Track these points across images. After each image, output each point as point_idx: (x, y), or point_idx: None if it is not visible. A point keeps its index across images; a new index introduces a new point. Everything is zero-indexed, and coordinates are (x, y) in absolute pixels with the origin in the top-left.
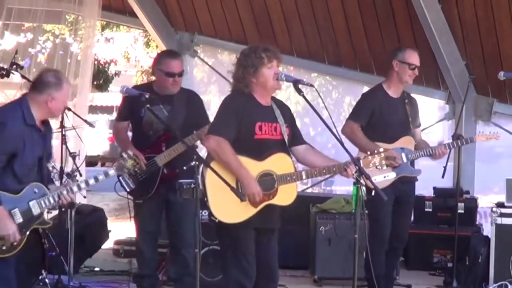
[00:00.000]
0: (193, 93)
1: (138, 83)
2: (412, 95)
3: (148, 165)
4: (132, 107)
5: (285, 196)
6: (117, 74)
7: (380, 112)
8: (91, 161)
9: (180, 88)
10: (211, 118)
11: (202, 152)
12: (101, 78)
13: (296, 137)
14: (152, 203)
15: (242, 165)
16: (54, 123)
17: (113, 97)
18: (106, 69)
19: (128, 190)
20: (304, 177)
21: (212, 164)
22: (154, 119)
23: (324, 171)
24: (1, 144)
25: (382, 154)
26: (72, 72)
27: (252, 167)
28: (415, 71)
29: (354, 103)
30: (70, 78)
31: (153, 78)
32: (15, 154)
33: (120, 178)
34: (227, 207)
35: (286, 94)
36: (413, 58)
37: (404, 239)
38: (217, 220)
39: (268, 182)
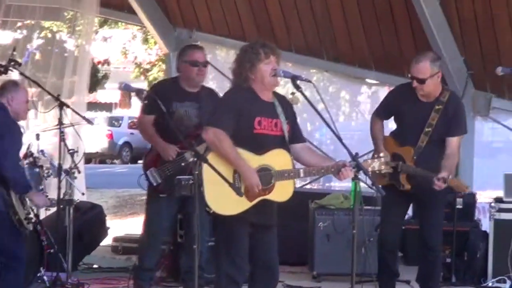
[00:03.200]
0: (213, 90)
1: (135, 80)
2: None
3: (177, 160)
4: (162, 101)
5: (281, 192)
6: (105, 76)
7: (398, 112)
8: (89, 158)
9: (202, 86)
10: None
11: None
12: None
13: (295, 135)
14: (172, 199)
15: (241, 156)
16: (52, 120)
17: (112, 94)
18: (96, 70)
19: (155, 184)
20: (302, 175)
21: (210, 156)
22: (185, 115)
23: (322, 170)
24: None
25: (382, 159)
26: (69, 70)
27: (251, 160)
28: (414, 83)
29: (349, 98)
30: (67, 75)
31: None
32: None
33: (148, 172)
34: (223, 199)
35: (284, 90)
36: (412, 71)
37: (429, 244)
38: (211, 211)
39: (265, 177)
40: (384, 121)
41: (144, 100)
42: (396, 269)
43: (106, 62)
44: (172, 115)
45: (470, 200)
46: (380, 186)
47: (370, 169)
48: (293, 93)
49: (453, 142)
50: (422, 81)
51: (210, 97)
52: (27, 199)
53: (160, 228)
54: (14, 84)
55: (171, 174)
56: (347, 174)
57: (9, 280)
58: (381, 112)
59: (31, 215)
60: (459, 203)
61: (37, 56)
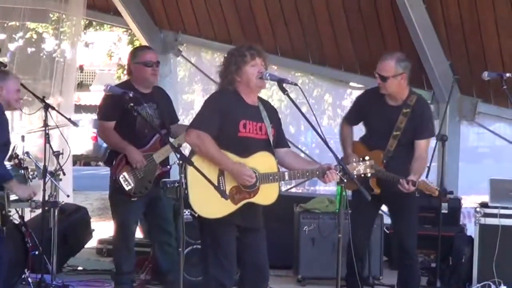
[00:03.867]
0: (163, 89)
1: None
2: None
3: (147, 163)
4: (121, 104)
5: (266, 195)
6: (80, 84)
7: (366, 116)
8: (74, 161)
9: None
10: None
11: (186, 151)
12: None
13: (280, 140)
14: (141, 200)
15: (226, 155)
16: (37, 122)
17: (97, 96)
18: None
19: (127, 188)
20: (286, 178)
21: (194, 159)
22: (149, 118)
23: (307, 173)
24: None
25: (368, 162)
26: (59, 71)
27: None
28: (378, 79)
29: (332, 101)
30: (52, 77)
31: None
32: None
33: (120, 177)
34: (207, 202)
35: (269, 92)
36: (378, 67)
37: (404, 248)
38: (196, 215)
39: None
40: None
41: (129, 103)
42: (363, 274)
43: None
44: (137, 118)
45: (455, 205)
46: (351, 190)
47: (355, 172)
48: None
49: (421, 145)
50: (384, 79)
51: (163, 95)
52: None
53: (132, 231)
54: (2, 73)
55: (142, 177)
56: (332, 177)
57: None
58: (350, 117)
59: (11, 216)
60: (444, 207)
61: (20, 57)
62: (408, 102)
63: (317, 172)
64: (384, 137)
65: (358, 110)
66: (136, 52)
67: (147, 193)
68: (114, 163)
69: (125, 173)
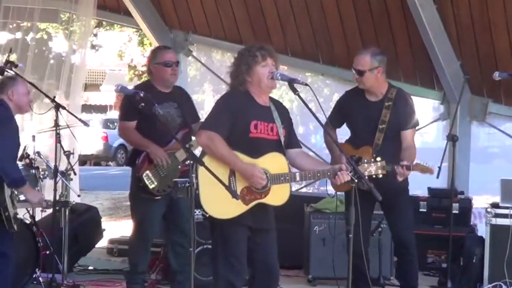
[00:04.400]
0: (183, 88)
1: (131, 82)
2: None
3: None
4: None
5: (277, 196)
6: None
7: (349, 116)
8: (84, 160)
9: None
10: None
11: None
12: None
13: (291, 140)
14: (163, 200)
15: (237, 156)
16: (48, 122)
17: (107, 96)
18: None
19: (151, 187)
20: (298, 178)
21: (205, 159)
22: (169, 116)
23: (318, 174)
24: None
25: (379, 163)
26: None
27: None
28: (354, 74)
29: None
30: (62, 77)
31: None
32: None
33: (144, 175)
34: (218, 203)
35: (279, 92)
36: (354, 62)
37: (403, 244)
38: (207, 215)
39: None
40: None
41: (140, 102)
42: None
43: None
44: (158, 118)
45: (466, 205)
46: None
47: (366, 173)
48: None
49: (407, 135)
50: (361, 73)
51: (184, 94)
52: (20, 196)
53: (152, 231)
54: (12, 78)
55: (165, 175)
56: (343, 177)
57: None
58: (332, 120)
59: (20, 216)
60: (455, 208)
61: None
62: (389, 95)
63: (329, 173)
64: (370, 133)
65: (339, 111)
66: (156, 53)
67: (169, 192)
68: (137, 162)
69: (148, 172)
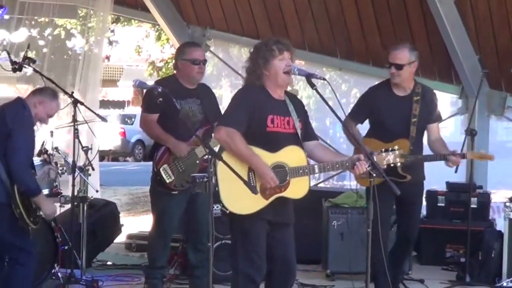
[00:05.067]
0: (207, 86)
1: (149, 77)
2: None
3: (188, 157)
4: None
5: (297, 189)
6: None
7: (378, 111)
8: (102, 156)
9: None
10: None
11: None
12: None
13: (308, 133)
14: (183, 196)
15: (255, 153)
16: (66, 117)
17: (124, 92)
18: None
19: (168, 181)
20: (316, 170)
21: (224, 154)
22: (191, 112)
23: (337, 165)
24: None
25: (397, 152)
26: (85, 67)
27: (265, 158)
28: (391, 69)
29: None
30: (79, 72)
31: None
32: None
33: (161, 169)
34: (238, 198)
35: (296, 87)
36: (389, 57)
37: (411, 239)
38: (228, 211)
39: (280, 174)
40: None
41: (157, 97)
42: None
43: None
44: (179, 113)
45: (485, 200)
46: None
47: (385, 162)
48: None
49: (435, 128)
50: (400, 67)
51: (208, 91)
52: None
53: (171, 226)
54: (53, 93)
55: (183, 170)
56: (361, 168)
57: (18, 275)
58: (357, 115)
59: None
60: (474, 202)
61: (49, 53)
62: (416, 90)
63: (347, 164)
64: (404, 126)
65: (367, 106)
66: (184, 49)
67: (188, 187)
68: (155, 155)
69: (166, 166)
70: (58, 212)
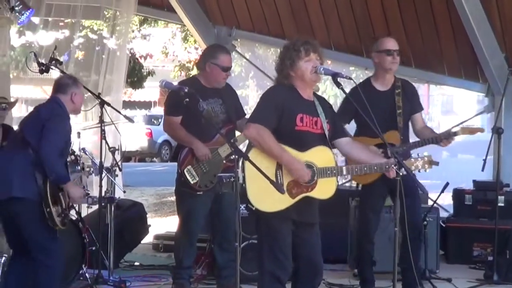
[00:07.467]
0: (229, 85)
1: (176, 78)
2: (451, 88)
3: (212, 157)
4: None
5: (324, 189)
6: (150, 73)
7: (365, 108)
8: (128, 157)
9: None
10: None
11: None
12: (136, 76)
13: (339, 131)
14: (208, 196)
15: (285, 150)
16: (93, 118)
17: (151, 92)
18: (141, 66)
19: (192, 182)
20: (344, 172)
21: (252, 152)
22: (213, 112)
23: (365, 168)
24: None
25: (426, 158)
26: (109, 68)
27: (294, 156)
28: (395, 56)
29: None
30: (106, 73)
31: (190, 72)
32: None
33: (185, 170)
34: (265, 196)
35: (323, 87)
36: (388, 44)
37: (417, 228)
38: (254, 208)
39: None
40: None
41: (184, 98)
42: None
43: (148, 55)
44: (202, 114)
45: None
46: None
47: (413, 167)
48: None
49: (419, 117)
50: (399, 53)
51: (230, 91)
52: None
53: (197, 226)
54: (74, 80)
55: (207, 171)
56: (389, 174)
57: (42, 276)
58: (343, 116)
59: (69, 216)
60: (501, 201)
61: (79, 55)
62: (397, 84)
63: (375, 167)
64: (390, 118)
65: (351, 106)
66: (216, 53)
67: (212, 187)
68: (179, 157)
69: (190, 167)
70: (86, 213)
